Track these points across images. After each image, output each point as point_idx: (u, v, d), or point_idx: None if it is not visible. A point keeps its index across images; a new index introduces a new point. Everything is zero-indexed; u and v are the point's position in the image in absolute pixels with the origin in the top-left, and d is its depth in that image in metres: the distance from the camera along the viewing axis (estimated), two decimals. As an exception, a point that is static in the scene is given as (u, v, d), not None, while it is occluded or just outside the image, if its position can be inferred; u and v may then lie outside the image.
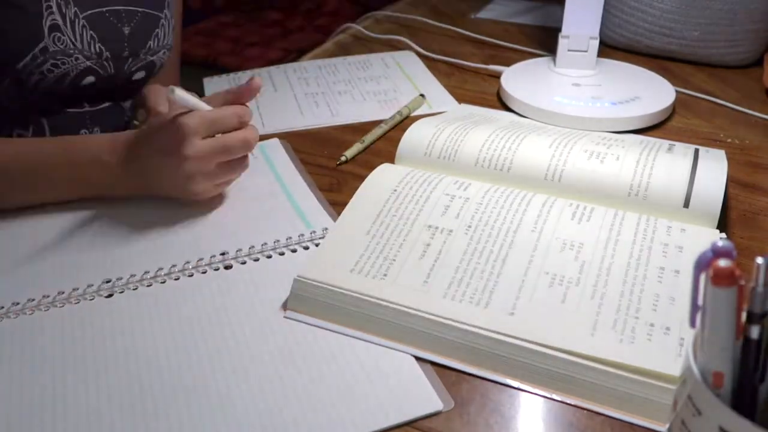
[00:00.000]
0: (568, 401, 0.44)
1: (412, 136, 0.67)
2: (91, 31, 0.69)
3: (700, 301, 0.32)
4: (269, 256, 0.57)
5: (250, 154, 0.62)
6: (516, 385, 0.45)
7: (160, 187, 0.62)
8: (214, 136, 0.58)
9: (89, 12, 0.69)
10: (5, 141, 0.64)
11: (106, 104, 0.77)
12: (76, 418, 0.43)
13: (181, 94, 0.58)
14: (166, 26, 0.79)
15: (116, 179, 0.62)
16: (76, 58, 0.68)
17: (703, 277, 0.31)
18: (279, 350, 0.48)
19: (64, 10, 0.66)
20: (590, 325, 0.46)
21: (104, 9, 0.70)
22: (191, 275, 0.55)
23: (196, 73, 1.07)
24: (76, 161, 0.62)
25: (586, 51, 0.83)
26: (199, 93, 0.88)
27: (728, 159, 0.62)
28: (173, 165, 0.58)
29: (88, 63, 0.70)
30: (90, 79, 0.72)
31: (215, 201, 0.64)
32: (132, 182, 0.62)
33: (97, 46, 0.70)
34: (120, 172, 0.61)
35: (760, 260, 0.31)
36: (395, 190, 0.59)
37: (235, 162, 0.61)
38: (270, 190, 0.66)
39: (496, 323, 0.47)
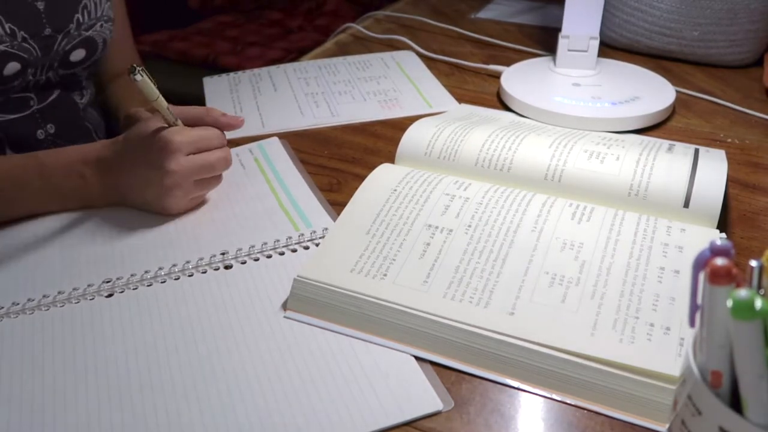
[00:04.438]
0: (568, 401, 0.44)
1: (412, 136, 0.67)
2: None
3: (699, 301, 0.32)
4: (269, 256, 0.57)
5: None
6: (516, 385, 0.45)
7: (137, 199, 0.62)
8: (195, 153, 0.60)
9: None
10: None
11: (54, 95, 0.74)
12: (76, 418, 0.43)
13: (147, 83, 0.57)
14: None
15: (91, 191, 0.62)
16: None
17: (701, 276, 0.31)
18: (279, 350, 0.48)
19: None
20: (590, 325, 0.46)
21: None
22: (191, 275, 0.55)
23: (196, 73, 1.07)
24: (49, 174, 0.61)
25: (586, 51, 0.83)
26: (200, 93, 0.88)
27: (728, 159, 0.62)
28: (155, 178, 0.59)
29: (2, 47, 0.66)
30: (14, 65, 0.68)
31: (215, 200, 0.64)
32: (108, 193, 0.62)
33: (6, 26, 0.66)
34: (95, 182, 0.61)
35: (753, 263, 0.31)
36: (395, 190, 0.59)
37: (212, 178, 0.63)
38: (270, 190, 0.66)
39: (496, 323, 0.47)
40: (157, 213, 0.62)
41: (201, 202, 0.64)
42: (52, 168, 0.61)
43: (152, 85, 0.57)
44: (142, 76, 0.56)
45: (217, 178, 0.64)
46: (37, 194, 0.62)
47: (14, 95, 0.73)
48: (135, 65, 0.55)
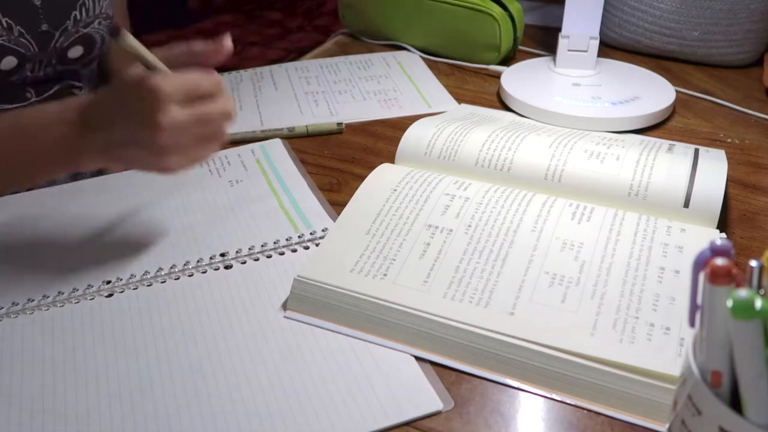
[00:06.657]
0: (568, 401, 0.44)
1: (412, 136, 0.67)
2: None
3: (699, 301, 0.32)
4: (269, 256, 0.57)
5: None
6: (516, 385, 0.45)
7: (128, 160, 0.54)
8: (189, 103, 0.50)
9: None
10: None
11: (53, 90, 0.74)
12: (76, 418, 0.43)
13: (132, 42, 0.50)
14: None
15: (74, 151, 0.54)
16: None
17: (701, 276, 0.31)
18: (279, 350, 0.48)
19: None
20: (590, 325, 0.46)
21: None
22: (191, 275, 0.55)
23: (197, 73, 1.06)
24: (26, 134, 0.54)
25: (586, 51, 0.83)
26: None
27: (728, 159, 0.62)
28: (146, 137, 0.50)
29: None
30: (11, 60, 0.67)
31: (216, 200, 0.64)
32: (93, 153, 0.53)
33: (3, 21, 0.65)
34: (78, 141, 0.53)
35: (753, 263, 0.31)
36: (395, 190, 0.59)
37: (213, 135, 0.52)
38: (270, 190, 0.66)
39: (496, 323, 0.47)
40: (154, 173, 0.54)
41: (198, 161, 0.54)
42: (30, 127, 0.54)
43: (140, 45, 0.51)
44: (125, 39, 0.50)
45: (220, 135, 0.53)
46: (18, 158, 0.55)
47: (11, 88, 0.72)
48: (117, 28, 0.50)
